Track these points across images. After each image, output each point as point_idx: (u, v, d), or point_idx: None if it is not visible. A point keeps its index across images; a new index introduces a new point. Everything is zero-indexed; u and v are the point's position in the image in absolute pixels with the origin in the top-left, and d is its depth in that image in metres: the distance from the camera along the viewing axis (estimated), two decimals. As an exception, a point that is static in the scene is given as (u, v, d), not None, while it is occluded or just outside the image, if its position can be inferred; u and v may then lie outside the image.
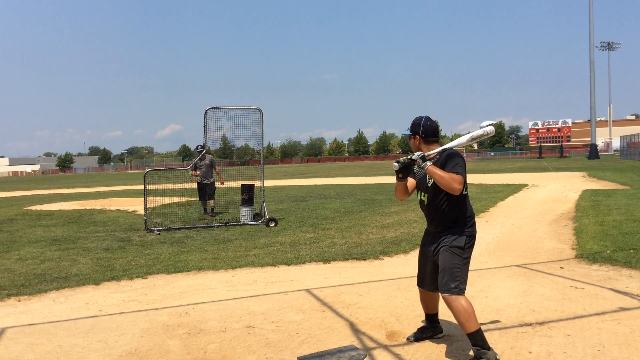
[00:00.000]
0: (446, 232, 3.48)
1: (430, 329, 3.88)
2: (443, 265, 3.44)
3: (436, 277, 3.52)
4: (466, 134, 3.63)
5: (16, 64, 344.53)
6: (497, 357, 3.34)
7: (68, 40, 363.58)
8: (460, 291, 3.35)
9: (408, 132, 3.62)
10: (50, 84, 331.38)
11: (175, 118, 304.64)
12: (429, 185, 3.51)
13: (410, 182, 3.67)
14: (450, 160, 3.38)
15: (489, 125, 3.61)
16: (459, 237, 3.43)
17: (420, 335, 3.85)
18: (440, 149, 3.48)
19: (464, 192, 3.47)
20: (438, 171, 3.32)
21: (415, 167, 3.60)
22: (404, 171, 3.50)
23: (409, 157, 3.47)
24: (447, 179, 3.27)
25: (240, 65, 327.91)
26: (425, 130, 3.53)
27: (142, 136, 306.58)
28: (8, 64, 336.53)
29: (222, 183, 12.17)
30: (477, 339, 3.30)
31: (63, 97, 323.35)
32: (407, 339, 3.85)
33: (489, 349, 3.31)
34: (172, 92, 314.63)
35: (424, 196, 3.58)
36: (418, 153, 3.43)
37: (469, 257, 3.47)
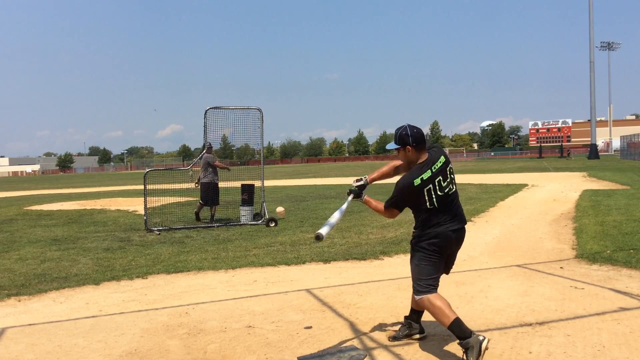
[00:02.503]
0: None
1: (407, 327, 3.83)
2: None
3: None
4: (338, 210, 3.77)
5: (16, 64, 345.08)
6: (481, 339, 3.20)
7: (68, 40, 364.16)
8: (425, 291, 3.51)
9: (395, 146, 3.54)
10: (51, 84, 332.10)
11: (175, 118, 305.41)
12: (450, 181, 3.52)
13: None
14: (394, 190, 3.57)
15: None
16: None
17: (403, 334, 3.83)
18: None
19: (429, 207, 3.47)
20: (372, 203, 3.73)
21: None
22: (358, 197, 3.85)
23: (348, 193, 3.87)
24: (379, 209, 3.68)
25: (240, 65, 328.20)
26: (416, 139, 3.49)
27: (142, 136, 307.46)
28: (8, 63, 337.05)
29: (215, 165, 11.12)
30: (455, 330, 3.32)
31: (63, 97, 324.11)
32: (389, 338, 3.85)
33: (469, 335, 3.26)
34: (172, 92, 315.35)
35: (444, 191, 3.48)
36: (354, 187, 3.84)
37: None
